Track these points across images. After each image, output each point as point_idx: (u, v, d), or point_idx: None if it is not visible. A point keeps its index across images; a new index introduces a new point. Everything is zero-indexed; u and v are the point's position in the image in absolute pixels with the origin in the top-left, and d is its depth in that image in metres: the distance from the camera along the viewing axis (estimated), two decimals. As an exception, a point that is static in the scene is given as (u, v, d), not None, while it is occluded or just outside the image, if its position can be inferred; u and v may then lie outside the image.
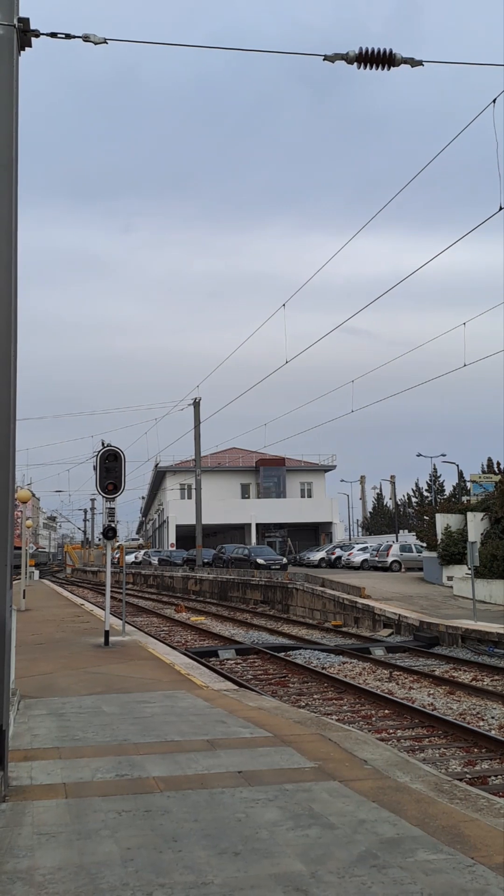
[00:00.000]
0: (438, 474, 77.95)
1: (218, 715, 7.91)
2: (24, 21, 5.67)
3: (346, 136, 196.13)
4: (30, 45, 5.77)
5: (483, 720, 10.54)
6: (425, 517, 37.17)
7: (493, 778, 7.91)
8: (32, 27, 5.71)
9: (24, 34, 5.70)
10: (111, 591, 15.09)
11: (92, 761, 6.14)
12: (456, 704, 11.56)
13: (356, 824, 4.65)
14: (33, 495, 60.40)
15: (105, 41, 6.07)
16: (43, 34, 5.75)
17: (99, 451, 14.82)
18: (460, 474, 68.49)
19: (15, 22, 5.51)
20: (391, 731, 9.88)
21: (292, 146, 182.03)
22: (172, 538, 67.19)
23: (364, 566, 41.98)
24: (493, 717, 10.65)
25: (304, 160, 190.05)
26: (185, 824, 4.69)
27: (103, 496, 14.76)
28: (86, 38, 5.99)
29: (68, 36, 5.90)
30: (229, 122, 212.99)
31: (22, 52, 5.76)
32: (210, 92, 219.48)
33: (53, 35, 5.81)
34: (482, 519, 25.45)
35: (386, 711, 10.98)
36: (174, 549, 62.48)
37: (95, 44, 6.02)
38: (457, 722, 10.01)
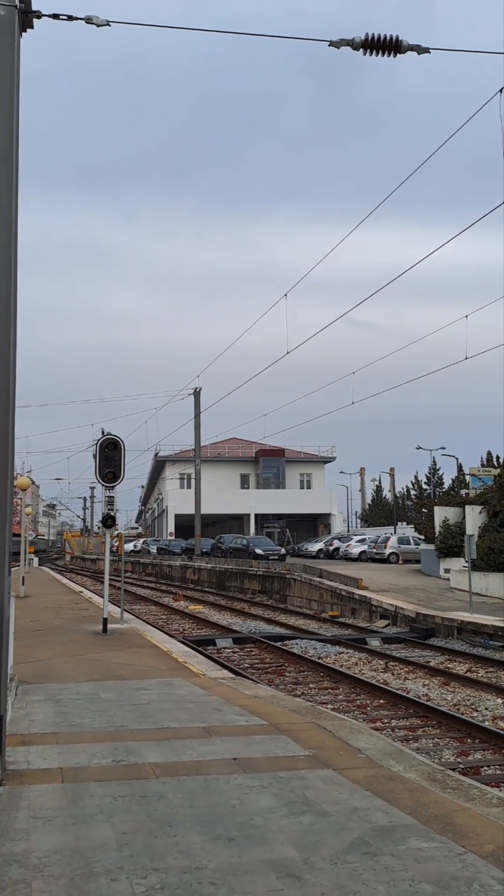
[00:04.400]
0: (437, 467, 77.96)
1: (214, 703, 7.94)
2: (26, 1, 5.60)
3: (350, 128, 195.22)
4: (31, 27, 5.70)
5: (477, 711, 10.58)
6: (424, 510, 37.25)
7: (485, 768, 7.95)
8: (34, 8, 5.65)
9: (26, 15, 5.63)
10: (110, 579, 15.11)
11: (89, 747, 6.16)
12: (450, 695, 11.60)
13: (349, 812, 4.67)
14: (33, 483, 60.39)
15: (108, 23, 6.01)
16: (45, 15, 5.69)
17: (99, 440, 14.80)
18: (459, 467, 68.44)
19: (16, 2, 5.45)
20: (386, 720, 9.92)
21: (297, 137, 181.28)
22: (171, 527, 67.29)
23: (362, 558, 42.06)
24: (486, 709, 10.70)
25: (308, 151, 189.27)
26: (180, 810, 4.72)
27: (103, 484, 14.75)
28: (88, 20, 5.93)
29: (71, 17, 5.84)
30: (234, 111, 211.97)
31: (23, 34, 5.70)
32: (215, 82, 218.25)
33: (56, 16, 5.74)
34: (480, 512, 25.48)
35: (381, 701, 11.03)
36: (173, 538, 62.57)
37: (98, 26, 5.96)
38: (451, 712, 10.05)
